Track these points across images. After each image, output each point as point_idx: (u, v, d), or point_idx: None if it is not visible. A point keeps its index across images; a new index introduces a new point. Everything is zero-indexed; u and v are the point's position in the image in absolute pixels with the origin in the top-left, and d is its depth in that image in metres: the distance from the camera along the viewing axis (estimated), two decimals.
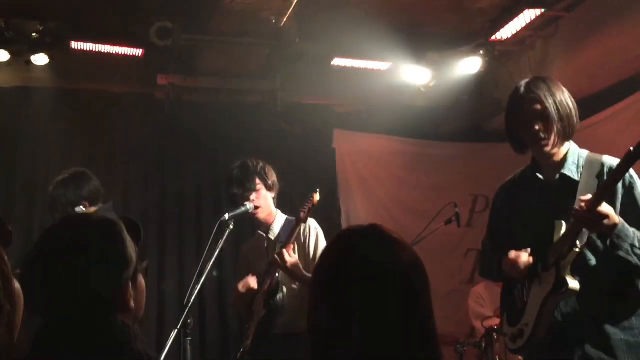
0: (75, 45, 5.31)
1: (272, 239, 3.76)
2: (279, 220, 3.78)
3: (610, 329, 2.39)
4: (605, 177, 2.43)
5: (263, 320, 3.58)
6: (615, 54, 5.06)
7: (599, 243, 2.41)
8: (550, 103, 2.51)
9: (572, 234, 2.37)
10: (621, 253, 2.30)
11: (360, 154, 6.59)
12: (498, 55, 5.94)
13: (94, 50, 5.37)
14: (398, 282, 1.32)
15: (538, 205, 2.61)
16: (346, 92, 6.42)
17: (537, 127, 2.52)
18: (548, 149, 2.55)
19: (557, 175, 2.57)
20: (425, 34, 5.77)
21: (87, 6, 5.05)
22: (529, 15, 5.13)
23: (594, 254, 2.44)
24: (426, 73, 5.89)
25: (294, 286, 3.59)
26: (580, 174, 2.51)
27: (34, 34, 5.15)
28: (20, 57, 5.29)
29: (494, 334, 4.50)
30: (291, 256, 3.46)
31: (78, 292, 1.53)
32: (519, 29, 5.33)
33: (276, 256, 3.49)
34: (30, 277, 1.58)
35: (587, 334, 2.42)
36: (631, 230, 2.33)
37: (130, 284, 1.62)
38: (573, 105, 2.58)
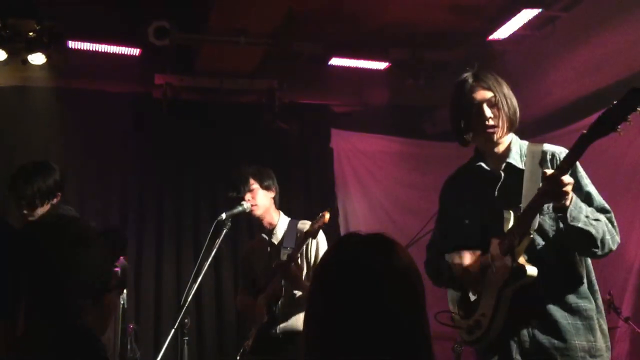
0: (72, 44, 5.30)
1: (276, 243, 3.73)
2: (282, 224, 3.76)
3: (556, 311, 2.40)
4: (548, 163, 2.48)
5: (265, 324, 3.61)
6: (612, 54, 5.06)
7: (547, 227, 2.43)
8: (499, 92, 2.55)
9: (528, 220, 2.37)
10: (580, 224, 2.28)
11: (357, 154, 6.59)
12: (495, 54, 5.94)
13: (91, 49, 5.37)
14: (396, 284, 1.33)
15: (485, 197, 2.60)
16: (343, 92, 6.42)
17: (488, 114, 2.54)
18: (497, 136, 2.56)
19: (503, 165, 2.58)
20: (422, 33, 5.77)
21: (84, 5, 5.04)
22: (526, 15, 5.14)
23: (543, 238, 2.44)
24: (422, 73, 5.89)
25: (294, 292, 3.60)
26: (524, 163, 2.54)
27: (30, 33, 5.14)
28: (17, 56, 5.28)
29: None
30: (298, 267, 3.48)
31: (26, 300, 1.52)
32: (516, 28, 5.34)
33: (282, 267, 3.50)
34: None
35: (535, 318, 2.41)
36: (580, 202, 2.35)
37: (92, 301, 1.55)
38: (515, 99, 2.62)
